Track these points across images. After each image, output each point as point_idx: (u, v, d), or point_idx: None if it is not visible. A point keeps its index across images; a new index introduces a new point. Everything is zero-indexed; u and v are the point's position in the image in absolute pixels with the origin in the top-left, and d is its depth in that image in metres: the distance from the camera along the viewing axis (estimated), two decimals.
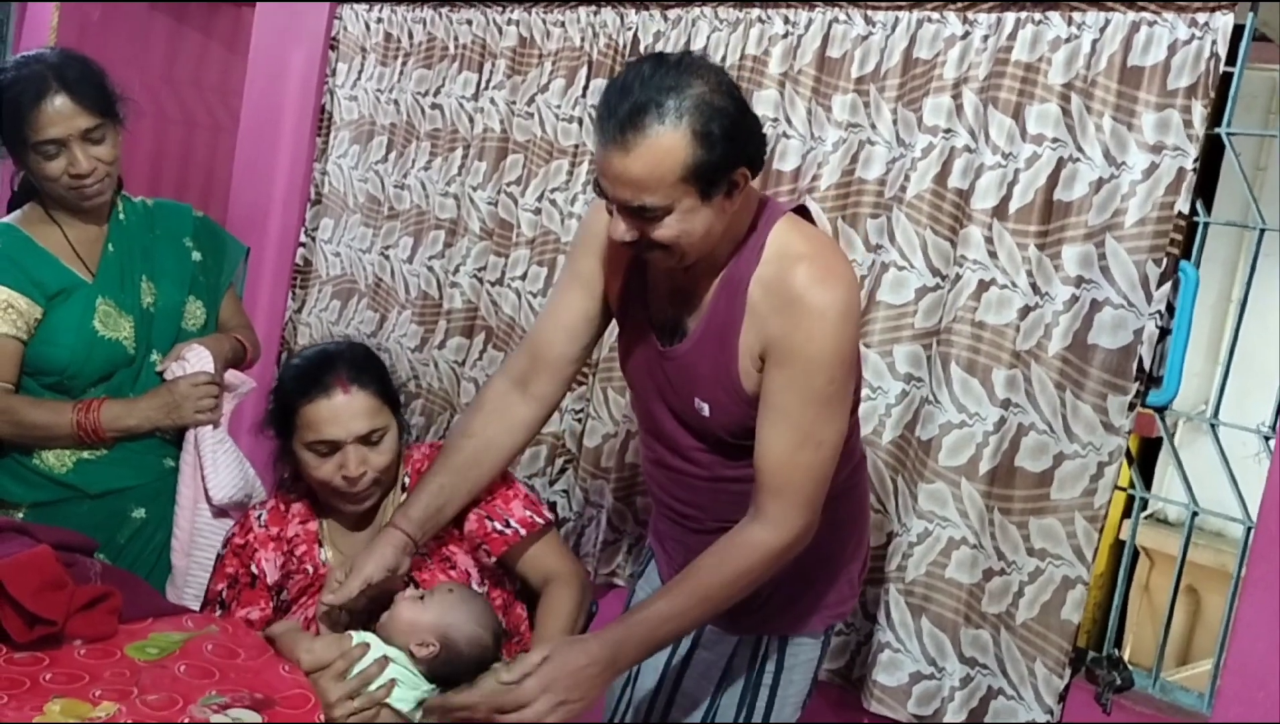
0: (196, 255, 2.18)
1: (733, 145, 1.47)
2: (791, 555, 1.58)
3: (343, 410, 1.78)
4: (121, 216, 2.11)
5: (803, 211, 1.65)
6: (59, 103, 1.92)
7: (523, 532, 1.84)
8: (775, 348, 1.54)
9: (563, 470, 2.68)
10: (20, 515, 2.00)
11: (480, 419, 1.78)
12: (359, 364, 1.84)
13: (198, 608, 1.93)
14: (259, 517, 1.90)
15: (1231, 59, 1.91)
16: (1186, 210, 1.87)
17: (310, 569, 1.84)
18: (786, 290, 1.53)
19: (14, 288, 1.95)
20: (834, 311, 1.51)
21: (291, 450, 1.83)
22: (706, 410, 1.63)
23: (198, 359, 2.07)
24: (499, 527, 1.84)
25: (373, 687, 1.58)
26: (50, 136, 1.93)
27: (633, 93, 1.45)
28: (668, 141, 1.43)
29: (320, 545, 1.87)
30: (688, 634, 1.68)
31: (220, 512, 2.10)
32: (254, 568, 1.85)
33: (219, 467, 2.08)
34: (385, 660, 1.61)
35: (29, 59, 1.99)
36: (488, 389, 1.83)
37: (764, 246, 1.56)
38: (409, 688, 1.60)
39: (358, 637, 1.63)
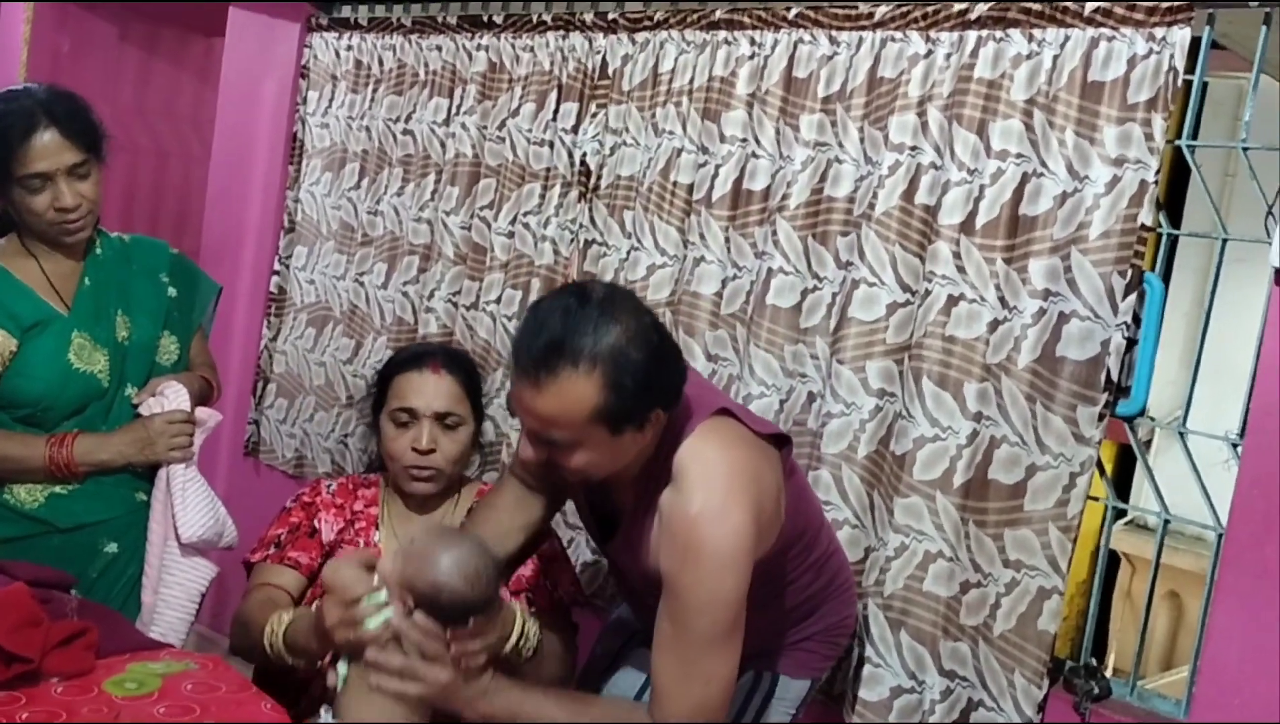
0: (172, 291, 2.20)
1: (645, 393, 1.50)
2: None
3: (429, 385, 2.02)
4: (98, 251, 2.12)
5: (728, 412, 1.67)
6: (48, 138, 1.95)
7: (565, 601, 2.05)
8: (665, 580, 1.56)
9: None
10: None
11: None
12: (454, 356, 2.11)
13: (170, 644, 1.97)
14: (328, 486, 2.09)
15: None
16: (1150, 222, 1.90)
17: (361, 543, 1.99)
18: (673, 527, 1.55)
19: None
20: (718, 558, 1.51)
21: (378, 426, 2.05)
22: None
23: (175, 396, 2.09)
24: (550, 584, 2.05)
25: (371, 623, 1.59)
26: (38, 170, 1.94)
27: (549, 330, 1.48)
28: (579, 386, 1.46)
29: (378, 528, 2.02)
30: None
31: (190, 550, 2.10)
32: (316, 523, 2.03)
33: (188, 505, 2.08)
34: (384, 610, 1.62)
35: (16, 94, 2.01)
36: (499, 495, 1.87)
37: (673, 466, 1.58)
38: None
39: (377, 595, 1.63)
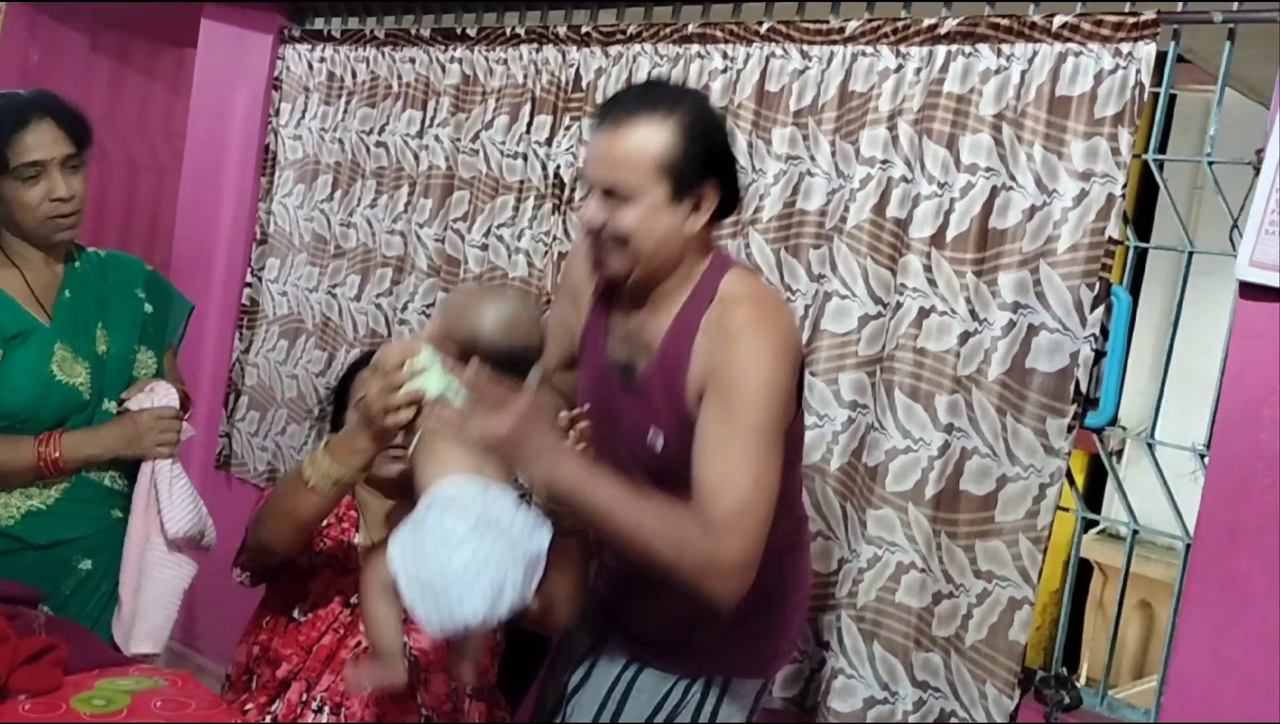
0: (148, 307, 2.19)
1: (709, 156, 1.59)
2: (717, 586, 1.52)
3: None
4: (77, 264, 2.12)
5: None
6: (43, 127, 1.96)
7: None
8: (713, 380, 1.57)
9: None
10: None
11: None
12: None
13: (148, 649, 2.02)
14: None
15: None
16: (1117, 235, 1.92)
17: (344, 541, 1.94)
18: (727, 328, 1.58)
19: None
20: (768, 350, 1.56)
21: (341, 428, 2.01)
22: (660, 444, 1.66)
23: (164, 393, 2.09)
24: None
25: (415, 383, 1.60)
26: (33, 159, 1.95)
27: (635, 90, 1.69)
28: (653, 129, 1.56)
29: (358, 530, 1.96)
30: (602, 525, 1.57)
31: (173, 547, 2.08)
32: None
33: (175, 500, 2.07)
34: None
35: (4, 94, 2.03)
36: None
37: (715, 292, 1.63)
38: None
39: (423, 357, 1.62)
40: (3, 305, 1.99)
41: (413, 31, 2.98)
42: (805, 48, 2.26)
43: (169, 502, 2.05)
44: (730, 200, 1.65)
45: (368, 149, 3.06)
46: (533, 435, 1.54)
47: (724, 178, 1.62)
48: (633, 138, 1.56)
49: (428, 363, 1.60)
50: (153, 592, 2.06)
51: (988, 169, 2.03)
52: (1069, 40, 1.96)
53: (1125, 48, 1.92)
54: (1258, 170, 1.69)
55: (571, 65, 2.62)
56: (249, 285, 3.35)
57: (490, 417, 1.53)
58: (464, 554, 1.49)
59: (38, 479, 2.00)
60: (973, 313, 2.04)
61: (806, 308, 2.22)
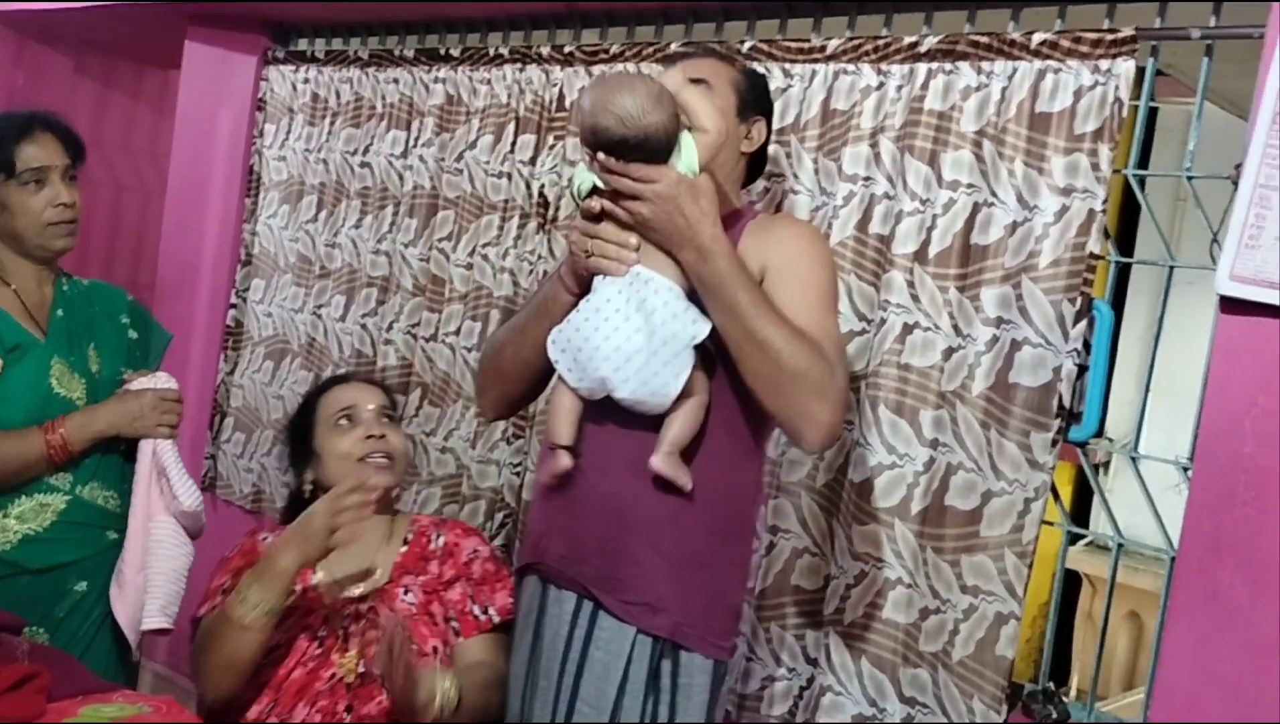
0: (132, 333, 2.25)
1: (760, 98, 1.89)
2: (824, 414, 1.61)
3: (362, 390, 2.13)
4: (65, 288, 2.17)
5: None
6: (45, 137, 2.09)
7: (497, 619, 1.99)
8: (774, 262, 1.72)
9: (503, 525, 2.67)
10: None
11: None
12: (371, 378, 2.28)
13: (162, 624, 2.06)
14: (264, 538, 2.05)
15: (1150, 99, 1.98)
16: (1098, 250, 1.92)
17: (298, 587, 1.91)
18: (775, 226, 1.82)
19: None
20: (817, 235, 1.87)
21: (310, 454, 2.05)
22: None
23: (166, 379, 2.16)
24: (478, 611, 2.00)
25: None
26: (37, 164, 2.05)
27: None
28: (723, 64, 1.88)
29: (313, 571, 1.94)
30: (739, 325, 1.63)
31: (179, 525, 2.12)
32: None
33: (184, 477, 2.12)
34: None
35: (2, 113, 2.17)
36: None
37: (749, 221, 1.82)
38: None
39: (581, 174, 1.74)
40: (1, 319, 2.04)
41: (396, 52, 2.99)
42: (787, 66, 2.27)
43: (179, 478, 2.10)
44: (761, 158, 1.93)
45: (352, 169, 3.06)
46: (679, 212, 1.62)
47: (767, 124, 1.89)
48: (713, 63, 1.86)
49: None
50: (162, 567, 2.08)
51: (969, 185, 2.04)
52: (1048, 57, 1.98)
53: (1104, 64, 1.93)
54: (1237, 184, 1.70)
55: (555, 85, 2.63)
56: (234, 306, 3.34)
57: (628, 202, 1.65)
58: (600, 320, 1.65)
59: (52, 469, 2.03)
60: (956, 328, 2.05)
61: None
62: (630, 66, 2.49)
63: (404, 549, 2.05)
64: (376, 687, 1.86)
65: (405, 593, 1.98)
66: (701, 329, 1.63)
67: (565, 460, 1.74)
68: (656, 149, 1.64)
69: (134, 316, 2.28)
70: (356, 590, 1.98)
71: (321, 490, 2.01)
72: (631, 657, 1.71)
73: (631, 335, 1.63)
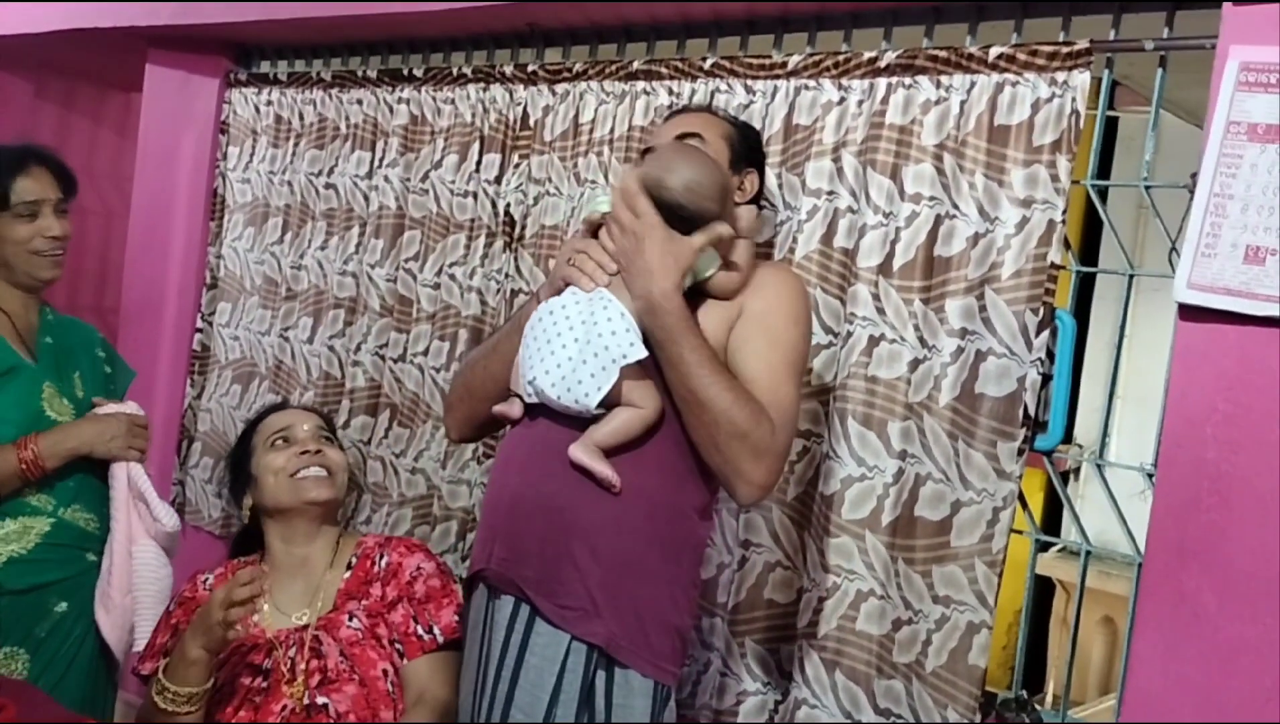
0: (106, 367, 2.32)
1: (753, 152, 1.95)
2: (759, 471, 1.66)
3: (296, 413, 2.15)
4: (49, 317, 2.24)
5: None
6: (38, 171, 2.15)
7: (441, 639, 1.96)
8: (751, 309, 1.75)
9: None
10: None
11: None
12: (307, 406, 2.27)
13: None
14: (205, 579, 2.06)
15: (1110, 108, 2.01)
16: (1059, 261, 1.94)
17: (241, 629, 1.88)
18: (761, 271, 1.80)
19: None
20: (799, 289, 1.82)
21: (249, 480, 2.06)
22: None
23: (135, 407, 2.22)
24: (422, 631, 1.97)
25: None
26: (31, 197, 2.12)
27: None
28: (716, 119, 1.93)
29: (255, 608, 1.92)
30: (682, 381, 1.67)
31: (158, 546, 2.17)
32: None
33: (160, 500, 2.17)
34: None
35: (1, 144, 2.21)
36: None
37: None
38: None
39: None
40: None
41: (360, 73, 2.98)
42: (749, 82, 2.28)
43: (158, 501, 2.15)
44: (759, 192, 1.96)
45: (317, 191, 3.05)
46: (654, 252, 1.67)
47: (760, 176, 1.94)
48: (706, 116, 1.94)
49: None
50: (149, 589, 2.14)
51: (931, 198, 2.05)
52: (1005, 70, 2.00)
53: (1060, 76, 1.95)
54: (1193, 193, 1.72)
55: (519, 104, 2.63)
56: (200, 330, 3.32)
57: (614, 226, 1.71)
58: (549, 322, 1.71)
59: (24, 484, 2.07)
60: (921, 340, 2.06)
61: None
62: (594, 85, 2.49)
63: (348, 574, 2.03)
64: (325, 714, 1.85)
65: (350, 619, 1.96)
66: (636, 352, 1.65)
67: (517, 407, 1.80)
68: (691, 225, 1.70)
69: (106, 351, 2.36)
70: (301, 619, 1.96)
71: (262, 512, 2.03)
72: (565, 664, 1.67)
73: (568, 341, 1.68)
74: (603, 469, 1.66)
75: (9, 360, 2.10)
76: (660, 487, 1.72)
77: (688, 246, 1.69)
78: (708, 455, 1.68)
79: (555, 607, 1.69)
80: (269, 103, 3.19)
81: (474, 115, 2.71)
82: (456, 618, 1.96)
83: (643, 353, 1.66)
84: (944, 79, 2.05)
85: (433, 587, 2.00)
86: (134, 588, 2.13)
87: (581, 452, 1.67)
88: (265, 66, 3.29)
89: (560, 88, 2.56)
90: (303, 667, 1.87)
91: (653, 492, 1.71)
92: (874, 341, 2.10)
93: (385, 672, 1.91)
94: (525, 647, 1.70)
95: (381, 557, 2.04)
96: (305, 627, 1.94)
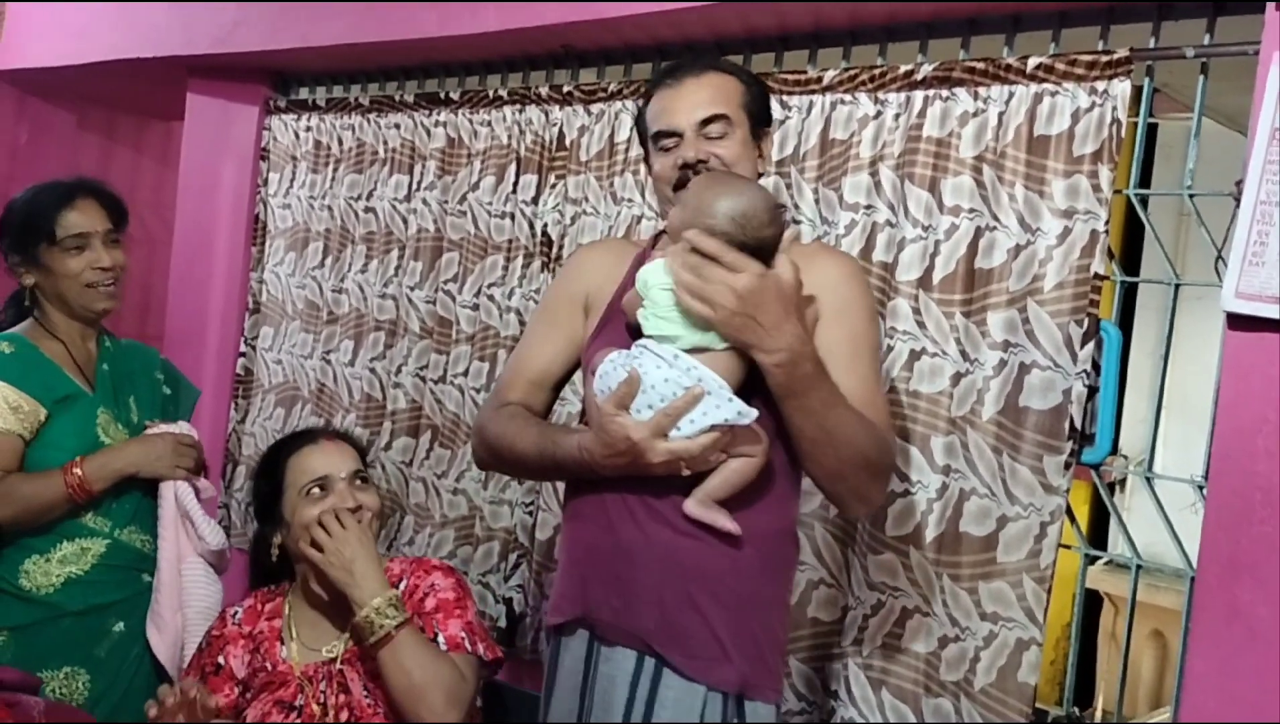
0: (166, 389, 2.37)
1: (766, 108, 1.76)
2: (879, 491, 1.63)
3: (332, 452, 1.97)
4: (107, 344, 2.28)
5: None
6: (86, 203, 2.17)
7: (444, 648, 1.87)
8: (826, 307, 1.61)
9: (516, 565, 2.66)
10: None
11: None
12: (336, 430, 2.12)
13: None
14: (234, 613, 2.02)
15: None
16: (1102, 271, 1.92)
17: (270, 667, 1.90)
18: (819, 261, 1.65)
19: (22, 389, 2.08)
20: (862, 275, 1.72)
21: (278, 521, 1.95)
22: None
23: (187, 427, 2.26)
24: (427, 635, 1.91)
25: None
26: (79, 230, 2.14)
27: (698, 55, 1.95)
28: (729, 80, 1.72)
29: (282, 643, 1.93)
30: (810, 421, 1.55)
31: (209, 562, 2.21)
32: (221, 659, 1.97)
33: (207, 518, 2.20)
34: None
35: (49, 182, 2.24)
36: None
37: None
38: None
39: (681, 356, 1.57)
40: (50, 371, 2.14)
41: (397, 98, 3.01)
42: (785, 97, 2.28)
43: (203, 519, 2.18)
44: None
45: (356, 215, 3.07)
46: (772, 301, 1.50)
47: (770, 127, 1.78)
48: (719, 81, 1.71)
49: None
50: (198, 606, 2.18)
51: (970, 210, 2.04)
52: (1044, 81, 1.98)
53: (1100, 85, 1.93)
54: (1238, 201, 1.70)
55: (554, 124, 2.64)
56: (243, 355, 3.35)
57: (726, 275, 1.50)
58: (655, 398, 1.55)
59: (74, 507, 2.10)
60: (963, 353, 2.04)
61: None
62: (629, 104, 2.50)
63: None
64: None
65: None
66: (749, 414, 1.56)
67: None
68: (753, 255, 1.53)
69: (166, 373, 2.40)
70: (330, 653, 1.93)
71: (288, 556, 1.96)
72: (703, 715, 1.63)
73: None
74: (725, 523, 1.60)
75: (66, 389, 2.14)
76: (767, 518, 1.67)
77: (790, 286, 1.53)
78: (829, 482, 1.62)
79: (686, 657, 1.63)
80: (308, 128, 3.22)
81: (510, 137, 2.73)
82: (463, 634, 1.90)
83: (754, 414, 1.55)
84: (981, 90, 2.04)
85: (443, 599, 1.94)
86: (184, 606, 2.17)
87: (697, 508, 1.60)
88: (304, 93, 3.32)
89: (595, 108, 2.57)
90: (332, 702, 1.86)
91: (763, 526, 1.66)
92: (915, 356, 2.08)
93: None
94: (654, 699, 1.65)
95: (402, 581, 1.99)
96: (333, 659, 1.93)
